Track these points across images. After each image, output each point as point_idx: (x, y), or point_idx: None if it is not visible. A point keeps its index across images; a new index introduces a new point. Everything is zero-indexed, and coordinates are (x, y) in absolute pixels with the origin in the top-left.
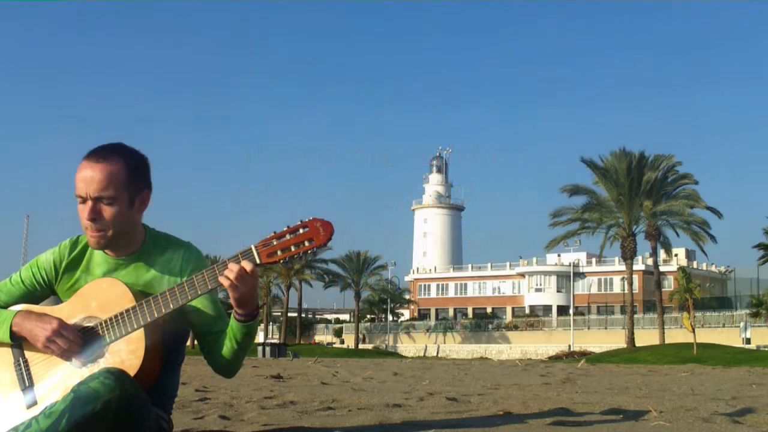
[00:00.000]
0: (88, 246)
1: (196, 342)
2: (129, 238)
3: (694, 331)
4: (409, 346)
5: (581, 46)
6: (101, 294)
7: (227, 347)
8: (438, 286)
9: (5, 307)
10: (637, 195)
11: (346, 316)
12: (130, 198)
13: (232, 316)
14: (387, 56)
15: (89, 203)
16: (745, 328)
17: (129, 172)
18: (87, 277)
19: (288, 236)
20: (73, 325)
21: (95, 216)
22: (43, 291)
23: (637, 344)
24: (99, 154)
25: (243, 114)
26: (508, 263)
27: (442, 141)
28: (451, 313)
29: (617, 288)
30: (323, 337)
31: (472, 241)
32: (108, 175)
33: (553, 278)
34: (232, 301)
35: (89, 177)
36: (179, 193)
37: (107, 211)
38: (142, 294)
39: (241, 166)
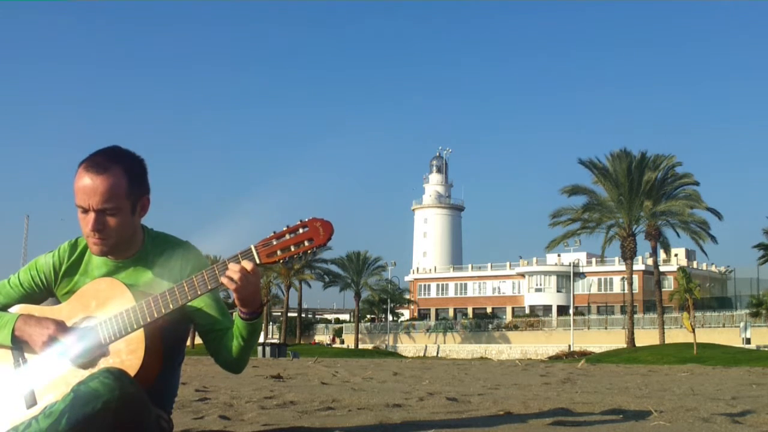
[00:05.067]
0: (87, 249)
1: (195, 342)
2: (130, 242)
3: (694, 331)
4: (409, 346)
5: (581, 46)
6: (101, 294)
7: (234, 344)
8: (438, 286)
9: (3, 308)
10: (637, 195)
11: (346, 316)
12: (132, 206)
13: (236, 314)
14: (387, 57)
15: (92, 214)
16: (745, 328)
17: (130, 181)
18: (86, 279)
19: (287, 236)
20: (72, 325)
21: (101, 227)
22: (41, 293)
23: (637, 344)
24: (99, 164)
25: (240, 113)
26: (508, 263)
27: (442, 141)
28: (451, 313)
29: (617, 288)
30: (323, 337)
31: (472, 241)
32: (111, 187)
33: (553, 278)
34: (235, 300)
35: (91, 189)
36: (174, 190)
37: (111, 222)
38: (141, 294)
39: (240, 163)
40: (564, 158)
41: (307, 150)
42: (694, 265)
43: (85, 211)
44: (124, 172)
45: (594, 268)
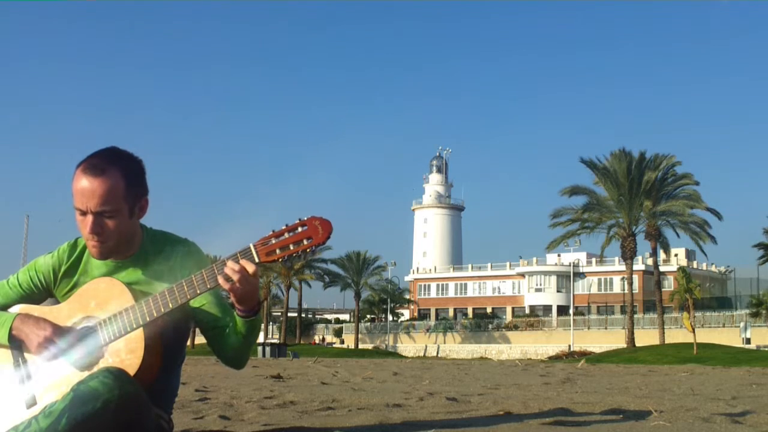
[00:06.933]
0: (87, 249)
1: (196, 342)
2: (129, 243)
3: (694, 331)
4: (409, 346)
5: (581, 46)
6: (100, 293)
7: (234, 341)
8: (438, 286)
9: (2, 309)
10: (637, 195)
11: (346, 316)
12: (130, 208)
13: (234, 312)
14: (387, 57)
15: (90, 217)
16: (745, 328)
17: (128, 183)
18: (86, 279)
19: (286, 235)
20: (71, 326)
21: (99, 230)
22: (40, 294)
23: (637, 344)
24: (96, 166)
25: (241, 114)
26: (508, 263)
27: (442, 141)
28: (451, 313)
29: (617, 288)
30: (326, 337)
31: (472, 241)
32: (108, 190)
33: (553, 278)
34: (232, 298)
35: (89, 191)
36: (174, 191)
37: (109, 224)
38: (141, 293)
39: (240, 162)
40: (564, 158)
41: (307, 150)
42: (694, 265)
43: (84, 213)
44: (122, 174)
45: (594, 268)
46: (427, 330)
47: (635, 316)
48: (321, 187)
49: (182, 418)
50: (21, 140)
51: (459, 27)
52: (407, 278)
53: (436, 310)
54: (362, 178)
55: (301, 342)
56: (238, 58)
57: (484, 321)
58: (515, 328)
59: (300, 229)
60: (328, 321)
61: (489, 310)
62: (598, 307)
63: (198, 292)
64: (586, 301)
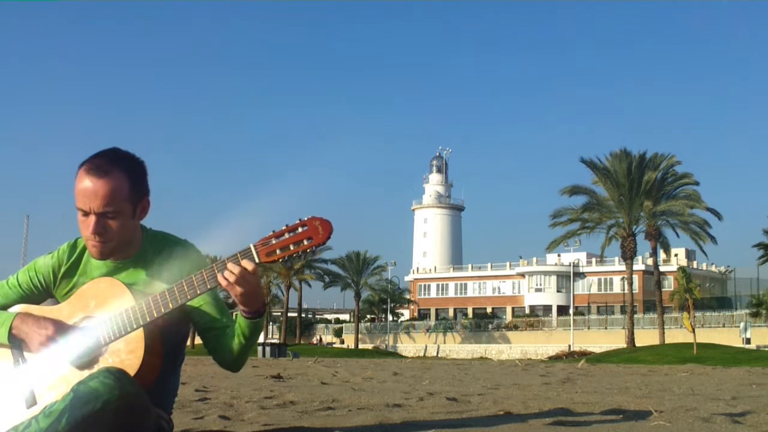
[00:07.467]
0: (86, 249)
1: (196, 342)
2: (129, 244)
3: (694, 331)
4: (409, 346)
5: (581, 45)
6: (100, 294)
7: (235, 343)
8: (438, 286)
9: (2, 309)
10: (637, 195)
11: (346, 316)
12: (133, 209)
13: (238, 313)
14: (387, 57)
15: (93, 217)
16: (745, 328)
17: (132, 184)
18: (85, 280)
19: (286, 235)
20: (71, 325)
21: (101, 230)
22: (40, 295)
23: (637, 344)
24: (100, 167)
25: (241, 114)
26: (508, 263)
27: (442, 141)
28: (451, 313)
29: (617, 288)
30: (323, 337)
31: (472, 241)
32: (111, 191)
33: (553, 278)
34: (235, 299)
35: (92, 192)
36: (174, 191)
37: (112, 225)
38: (141, 294)
39: (239, 162)
40: (564, 158)
41: (307, 150)
42: (694, 265)
43: (86, 214)
44: (126, 176)
45: (594, 268)
46: (427, 330)
47: (635, 316)
48: (321, 187)
49: (182, 418)
50: (21, 140)
51: (459, 27)
52: (407, 278)
53: (436, 310)
54: (362, 178)
55: (301, 342)
56: (239, 58)
57: (484, 321)
58: (515, 328)
59: (300, 230)
60: (328, 321)
61: (489, 310)
62: (598, 307)
63: (198, 292)
64: (586, 301)
